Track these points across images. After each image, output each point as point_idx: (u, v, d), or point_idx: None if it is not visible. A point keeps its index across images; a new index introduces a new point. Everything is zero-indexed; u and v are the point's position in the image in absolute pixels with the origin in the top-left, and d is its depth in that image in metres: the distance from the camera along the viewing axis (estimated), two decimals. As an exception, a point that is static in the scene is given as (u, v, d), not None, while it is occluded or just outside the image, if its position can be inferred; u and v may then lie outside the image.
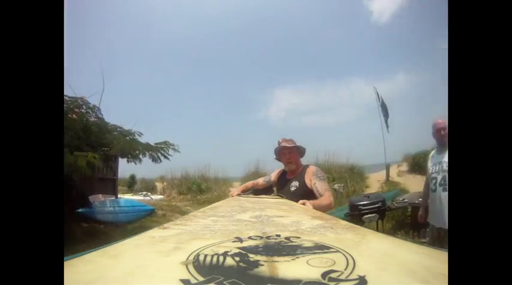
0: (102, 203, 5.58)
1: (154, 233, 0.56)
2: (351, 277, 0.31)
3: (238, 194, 1.84)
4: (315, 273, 0.32)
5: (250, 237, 0.49)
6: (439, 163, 1.99)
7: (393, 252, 0.42)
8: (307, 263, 0.36)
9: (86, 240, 4.10)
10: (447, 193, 1.87)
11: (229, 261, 0.37)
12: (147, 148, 5.71)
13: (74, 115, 4.87)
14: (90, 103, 5.37)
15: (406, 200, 3.86)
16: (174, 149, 6.23)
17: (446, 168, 1.92)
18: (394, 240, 0.50)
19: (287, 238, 0.49)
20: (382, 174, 9.21)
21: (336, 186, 7.10)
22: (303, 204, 1.35)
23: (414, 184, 7.60)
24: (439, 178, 1.96)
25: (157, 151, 5.84)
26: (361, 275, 0.31)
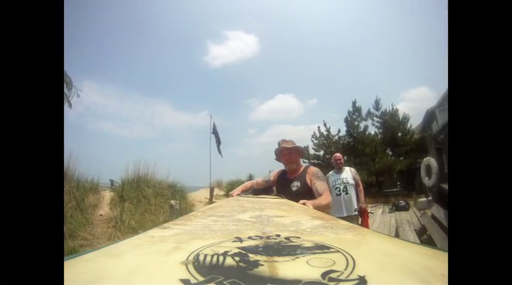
0: None
1: (154, 233, 0.56)
2: (351, 277, 0.31)
3: (238, 194, 1.85)
4: (315, 273, 0.32)
5: (250, 237, 0.49)
6: (339, 179, 3.38)
7: (393, 253, 0.42)
8: (307, 263, 0.36)
9: None
10: (348, 195, 3.29)
11: (229, 261, 0.37)
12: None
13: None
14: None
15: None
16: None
17: (346, 182, 3.33)
18: (394, 241, 0.50)
19: (287, 238, 0.49)
20: (199, 194, 9.71)
21: (172, 202, 6.82)
22: (303, 204, 1.36)
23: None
24: (342, 187, 3.33)
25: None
26: (361, 275, 0.31)
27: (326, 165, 10.14)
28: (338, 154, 3.62)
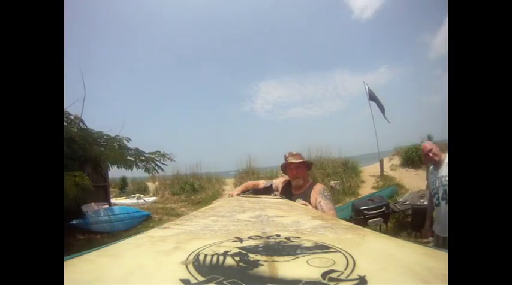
0: (95, 212, 5.34)
1: (154, 233, 0.56)
2: (351, 277, 0.31)
3: (238, 194, 1.84)
4: (315, 273, 0.32)
5: (250, 237, 0.49)
6: (438, 179, 2.14)
7: (393, 252, 0.42)
8: (307, 263, 0.36)
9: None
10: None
11: (229, 261, 0.37)
12: (140, 160, 5.52)
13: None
14: (71, 114, 4.93)
15: (408, 202, 3.87)
16: (169, 158, 6.10)
17: (445, 182, 2.06)
18: (394, 241, 0.50)
19: (287, 238, 0.49)
20: (374, 167, 8.94)
21: (332, 183, 6.91)
22: (304, 205, 1.35)
23: (408, 178, 7.48)
24: (441, 192, 2.11)
25: (151, 162, 5.65)
26: (361, 275, 0.31)
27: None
28: (427, 144, 2.28)
